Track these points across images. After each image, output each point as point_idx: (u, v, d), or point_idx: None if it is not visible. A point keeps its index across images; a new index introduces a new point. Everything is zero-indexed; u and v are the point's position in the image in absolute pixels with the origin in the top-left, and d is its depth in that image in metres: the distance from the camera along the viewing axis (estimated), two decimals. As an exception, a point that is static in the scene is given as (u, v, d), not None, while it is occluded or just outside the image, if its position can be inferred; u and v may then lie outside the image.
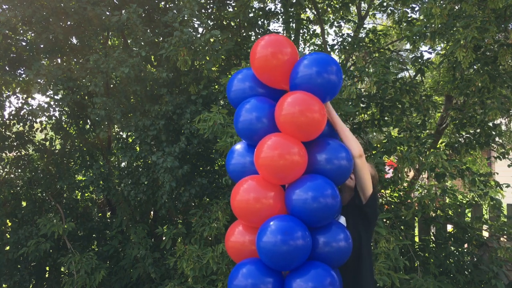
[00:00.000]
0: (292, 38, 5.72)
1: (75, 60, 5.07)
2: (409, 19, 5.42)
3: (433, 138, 5.03)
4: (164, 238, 4.51)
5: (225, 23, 5.59)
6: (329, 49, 5.46)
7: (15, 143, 5.20)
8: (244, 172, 2.17)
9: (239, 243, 2.13)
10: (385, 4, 5.59)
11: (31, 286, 5.09)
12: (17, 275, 4.87)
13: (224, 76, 3.97)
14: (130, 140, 5.23)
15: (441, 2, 3.99)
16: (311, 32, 6.20)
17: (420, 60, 4.79)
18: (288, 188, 2.06)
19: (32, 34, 4.81)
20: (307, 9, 6.30)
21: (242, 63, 4.03)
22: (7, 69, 4.71)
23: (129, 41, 5.09)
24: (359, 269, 2.24)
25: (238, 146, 2.28)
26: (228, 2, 5.49)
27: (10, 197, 5.13)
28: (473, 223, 4.47)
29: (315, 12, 5.91)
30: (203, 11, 5.38)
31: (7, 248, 4.94)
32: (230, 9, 5.51)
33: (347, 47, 5.18)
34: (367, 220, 2.29)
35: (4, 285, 4.82)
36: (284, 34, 5.93)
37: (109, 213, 5.85)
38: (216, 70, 5.02)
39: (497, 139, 4.89)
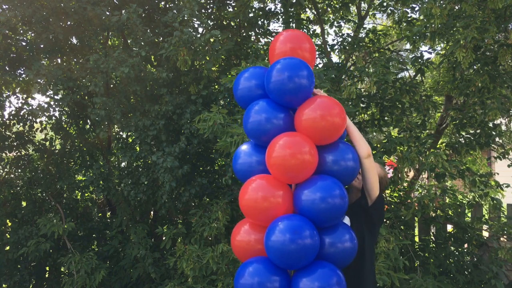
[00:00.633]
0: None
1: (75, 60, 5.07)
2: (409, 19, 5.41)
3: (433, 138, 5.03)
4: (164, 238, 4.51)
5: (225, 23, 5.59)
6: (329, 49, 5.46)
7: (15, 143, 5.20)
8: (251, 171, 2.19)
9: (245, 242, 2.14)
10: (385, 4, 5.58)
11: (31, 286, 5.09)
12: (17, 275, 4.87)
13: (224, 76, 3.97)
14: (130, 140, 5.23)
15: (441, 2, 3.99)
16: (311, 32, 6.19)
17: (420, 60, 4.79)
18: (297, 188, 2.08)
19: (32, 34, 4.82)
20: (307, 9, 6.30)
21: (242, 63, 4.03)
22: (7, 69, 4.71)
23: (129, 41, 5.09)
24: (361, 270, 2.23)
25: (245, 146, 2.30)
26: (228, 2, 5.49)
27: (10, 197, 5.13)
28: (473, 223, 4.47)
29: (315, 12, 5.91)
30: (203, 11, 5.38)
31: (7, 248, 4.94)
32: (230, 9, 5.51)
33: (347, 47, 5.18)
34: (371, 221, 2.27)
35: (4, 285, 4.82)
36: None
37: (109, 213, 5.85)
38: (216, 70, 5.02)
39: (497, 139, 4.89)
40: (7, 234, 5.03)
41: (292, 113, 2.20)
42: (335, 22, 5.98)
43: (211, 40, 4.28)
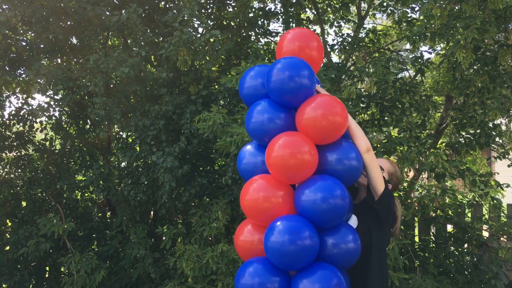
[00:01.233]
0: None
1: (75, 60, 5.07)
2: (409, 19, 5.41)
3: (433, 138, 5.03)
4: (164, 238, 4.51)
5: (225, 23, 5.59)
6: (329, 49, 5.46)
7: (15, 143, 5.20)
8: (255, 171, 2.18)
9: (248, 242, 2.14)
10: (385, 4, 5.58)
11: (31, 286, 5.09)
12: (17, 275, 4.87)
13: (224, 76, 3.97)
14: (130, 140, 5.23)
15: (441, 2, 3.99)
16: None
17: (420, 60, 4.79)
18: (298, 188, 2.06)
19: (32, 34, 4.82)
20: (307, 9, 6.30)
21: (242, 63, 4.02)
22: (7, 69, 4.71)
23: (129, 41, 5.09)
24: (367, 269, 2.18)
25: (249, 146, 2.29)
26: (228, 2, 5.49)
27: (10, 197, 5.13)
28: (473, 223, 4.46)
29: (315, 12, 5.91)
30: (203, 11, 5.38)
31: (7, 248, 4.94)
32: (230, 9, 5.51)
33: (347, 47, 5.18)
34: (379, 218, 2.22)
35: (4, 285, 4.82)
36: (284, 34, 5.92)
37: (109, 213, 5.85)
38: (216, 70, 5.02)
39: (497, 139, 4.89)
40: (7, 234, 5.03)
41: (295, 113, 2.20)
42: (335, 22, 5.98)
43: (211, 40, 4.28)
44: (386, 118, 4.76)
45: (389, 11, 5.61)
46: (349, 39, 5.25)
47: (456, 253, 4.38)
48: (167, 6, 5.31)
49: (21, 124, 5.19)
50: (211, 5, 5.50)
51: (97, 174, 4.84)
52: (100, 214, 5.79)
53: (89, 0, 4.45)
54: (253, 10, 5.52)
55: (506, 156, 4.88)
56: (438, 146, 5.30)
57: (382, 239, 2.25)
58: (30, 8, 4.23)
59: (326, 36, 5.70)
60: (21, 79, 4.91)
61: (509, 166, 4.96)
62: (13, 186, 5.19)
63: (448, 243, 4.44)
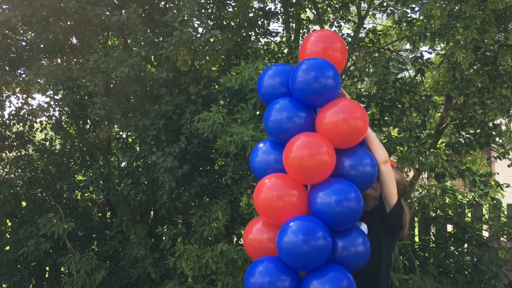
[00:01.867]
0: (292, 38, 5.72)
1: (75, 60, 5.07)
2: (409, 19, 5.41)
3: (433, 138, 5.03)
4: (164, 238, 4.51)
5: (225, 23, 5.59)
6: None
7: (15, 143, 5.20)
8: (268, 170, 2.20)
9: (257, 241, 2.15)
10: (385, 4, 5.58)
11: (31, 286, 5.09)
12: (17, 275, 4.87)
13: (224, 76, 3.97)
14: (130, 140, 5.23)
15: (441, 2, 3.99)
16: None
17: (420, 60, 4.78)
18: (312, 190, 2.07)
19: (32, 34, 4.81)
20: (307, 9, 6.30)
21: (242, 63, 4.03)
22: (7, 69, 4.71)
23: (129, 41, 5.09)
24: (377, 279, 2.18)
25: (262, 144, 2.31)
26: (228, 2, 5.49)
27: (10, 197, 5.13)
28: (473, 223, 4.46)
29: (315, 12, 5.91)
30: (203, 11, 5.38)
31: (7, 248, 4.94)
32: (230, 9, 5.51)
33: (347, 47, 5.17)
34: (390, 229, 2.23)
35: (4, 285, 4.82)
36: (284, 34, 5.93)
37: (109, 213, 5.85)
38: (216, 70, 5.02)
39: (497, 139, 4.88)
40: (7, 234, 5.03)
41: (314, 113, 2.20)
42: (335, 22, 5.98)
43: (211, 40, 4.28)
44: (386, 118, 4.76)
45: (389, 11, 5.61)
46: (349, 39, 5.25)
47: (456, 253, 4.38)
48: (167, 6, 5.31)
49: (21, 124, 5.19)
50: (211, 5, 5.50)
51: (97, 174, 4.84)
52: (100, 214, 5.79)
53: (89, 0, 4.45)
54: (253, 10, 5.52)
55: (506, 156, 4.88)
56: (438, 146, 5.30)
57: (390, 248, 2.26)
58: (30, 8, 4.23)
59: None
60: (21, 79, 4.91)
61: (509, 166, 4.96)
62: (13, 186, 5.19)
63: (448, 243, 4.44)
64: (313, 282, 1.94)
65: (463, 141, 4.89)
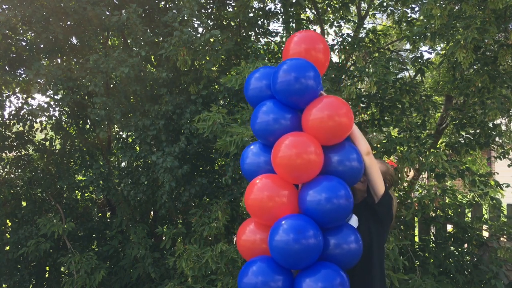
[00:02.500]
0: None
1: (75, 60, 5.07)
2: (409, 19, 5.41)
3: (433, 138, 5.03)
4: (164, 238, 4.51)
5: (225, 23, 5.59)
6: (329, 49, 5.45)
7: (15, 143, 5.20)
8: (259, 171, 2.20)
9: (250, 242, 2.16)
10: (385, 4, 5.58)
11: (31, 286, 5.09)
12: (17, 275, 4.87)
13: (224, 76, 3.97)
14: (130, 140, 5.23)
15: (441, 2, 3.99)
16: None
17: (420, 60, 4.78)
18: (302, 188, 2.08)
19: (32, 34, 4.81)
20: (307, 9, 6.30)
21: (242, 63, 4.03)
22: (7, 69, 4.71)
23: (129, 41, 5.09)
24: (369, 269, 2.20)
25: (253, 146, 2.31)
26: (228, 2, 5.49)
27: (10, 197, 5.13)
28: (473, 223, 4.47)
29: (315, 12, 5.90)
30: (203, 11, 5.38)
31: (7, 248, 4.94)
32: (230, 9, 5.51)
33: (347, 47, 5.17)
34: (379, 219, 2.25)
35: (4, 285, 4.82)
36: (284, 34, 5.93)
37: (109, 213, 5.85)
38: (216, 70, 5.02)
39: (497, 139, 4.88)
40: (7, 234, 5.03)
41: (300, 114, 2.20)
42: (335, 22, 5.97)
43: (211, 40, 4.28)
44: (386, 118, 4.76)
45: (389, 11, 5.61)
46: (349, 39, 5.25)
47: (456, 253, 4.38)
48: (167, 6, 5.31)
49: (21, 124, 5.19)
50: (211, 5, 5.50)
51: (97, 174, 4.84)
52: (100, 214, 5.79)
53: (89, 0, 4.45)
54: (253, 10, 5.52)
55: (506, 156, 4.88)
56: (438, 146, 5.30)
57: (381, 239, 2.27)
58: (30, 8, 4.23)
59: (326, 36, 5.70)
60: (21, 79, 4.91)
61: (509, 166, 4.96)
62: (13, 186, 5.19)
63: (448, 243, 4.45)
64: (306, 280, 1.95)
65: (463, 141, 4.89)
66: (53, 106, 4.67)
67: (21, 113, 5.18)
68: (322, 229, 2.02)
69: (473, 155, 5.90)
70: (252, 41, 5.38)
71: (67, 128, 5.44)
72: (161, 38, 4.90)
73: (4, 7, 4.38)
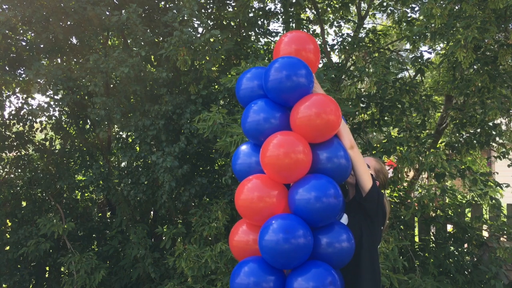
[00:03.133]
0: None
1: (75, 60, 5.07)
2: (409, 19, 5.41)
3: (433, 138, 5.03)
4: (164, 238, 4.51)
5: (225, 23, 5.59)
6: (329, 49, 5.45)
7: (15, 143, 5.20)
8: (250, 172, 2.19)
9: (243, 242, 2.15)
10: (385, 4, 5.58)
11: (31, 286, 5.10)
12: (17, 275, 4.87)
13: (224, 76, 3.97)
14: (130, 140, 5.23)
15: (441, 2, 3.99)
16: (311, 32, 6.19)
17: (420, 60, 4.79)
18: (292, 187, 2.07)
19: (32, 34, 4.82)
20: (307, 9, 6.30)
21: (242, 63, 4.02)
22: (7, 69, 4.71)
23: (129, 41, 5.09)
24: (358, 268, 2.18)
25: (244, 147, 2.30)
26: (228, 2, 5.49)
27: (10, 197, 5.13)
28: (473, 223, 4.46)
29: (315, 12, 5.90)
30: (203, 11, 5.38)
31: (7, 248, 4.94)
32: (230, 9, 5.51)
33: (347, 47, 5.17)
34: (367, 215, 2.22)
35: (4, 285, 4.82)
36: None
37: (109, 213, 5.85)
38: (216, 70, 5.02)
39: (497, 139, 4.88)
40: (7, 234, 5.03)
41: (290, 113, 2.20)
42: (335, 22, 5.98)
43: (211, 40, 4.28)
44: (386, 118, 4.76)
45: (389, 11, 5.61)
46: (349, 39, 5.25)
47: (456, 253, 4.38)
48: (167, 6, 5.31)
49: (21, 124, 5.19)
50: (211, 5, 5.50)
51: (97, 174, 4.84)
52: (100, 214, 5.79)
53: (89, 0, 4.45)
54: (253, 10, 5.52)
55: (506, 156, 4.88)
56: (438, 146, 5.30)
57: (372, 237, 2.24)
58: (30, 8, 4.23)
59: (326, 36, 5.69)
60: (21, 79, 4.91)
61: (509, 166, 4.96)
62: (13, 186, 5.19)
63: (448, 243, 4.45)
64: (297, 279, 1.94)
65: (463, 141, 4.89)
66: (53, 106, 4.67)
67: (21, 113, 5.18)
68: (313, 228, 2.01)
69: (473, 155, 5.90)
70: (252, 41, 5.38)
71: (67, 128, 5.44)
72: (161, 38, 4.90)
73: (4, 7, 4.38)
